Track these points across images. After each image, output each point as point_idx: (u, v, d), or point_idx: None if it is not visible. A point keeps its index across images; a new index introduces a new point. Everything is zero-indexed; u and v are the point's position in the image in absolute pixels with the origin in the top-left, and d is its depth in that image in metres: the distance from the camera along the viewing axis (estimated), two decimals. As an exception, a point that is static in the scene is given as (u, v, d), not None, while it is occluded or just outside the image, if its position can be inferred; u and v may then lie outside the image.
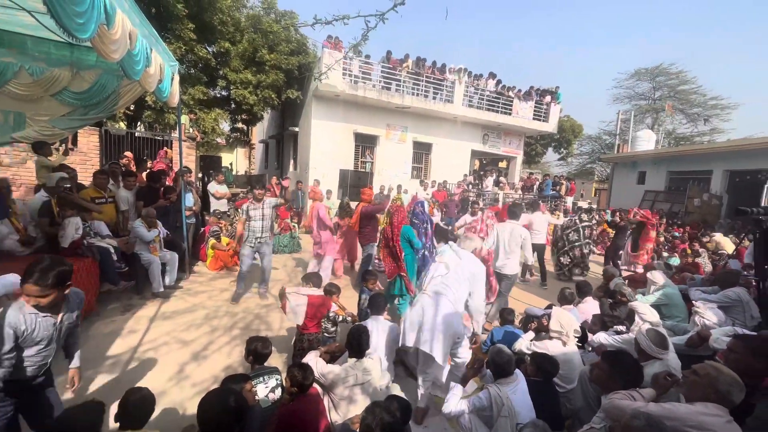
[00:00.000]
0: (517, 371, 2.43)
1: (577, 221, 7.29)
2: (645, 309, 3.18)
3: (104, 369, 3.10)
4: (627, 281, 5.04)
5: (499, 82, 14.75)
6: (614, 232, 7.78)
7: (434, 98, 13.43)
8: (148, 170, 6.02)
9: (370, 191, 5.62)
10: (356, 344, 2.54)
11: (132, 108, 10.71)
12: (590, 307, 3.96)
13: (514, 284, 4.80)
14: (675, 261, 7.64)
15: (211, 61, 11.24)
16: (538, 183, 14.98)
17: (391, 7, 2.26)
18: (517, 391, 2.31)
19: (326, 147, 12.39)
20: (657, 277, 4.34)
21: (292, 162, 15.23)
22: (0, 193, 3.84)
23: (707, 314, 3.34)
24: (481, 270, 3.04)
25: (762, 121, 42.27)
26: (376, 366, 2.58)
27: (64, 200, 3.99)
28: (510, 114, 14.63)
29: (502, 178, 15.37)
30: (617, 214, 8.40)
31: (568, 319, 3.06)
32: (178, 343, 3.65)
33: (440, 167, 14.43)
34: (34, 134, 4.75)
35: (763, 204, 8.92)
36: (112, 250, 4.21)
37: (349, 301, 4.67)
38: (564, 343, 2.95)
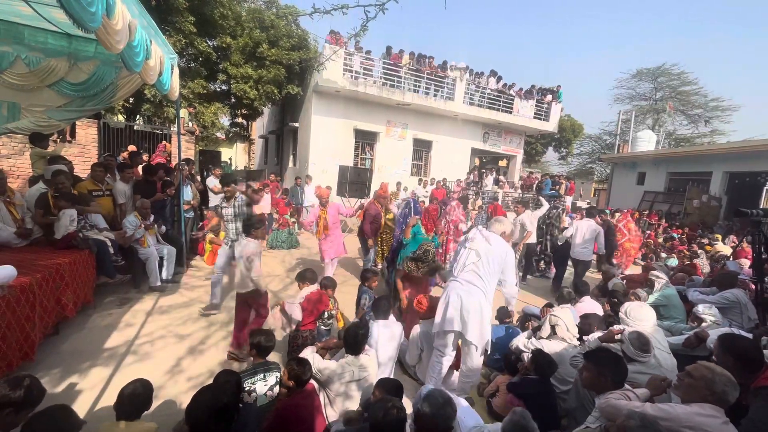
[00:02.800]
0: None
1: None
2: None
3: (100, 362, 3.08)
4: (625, 281, 5.04)
5: (500, 79, 14.69)
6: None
7: (435, 95, 13.38)
8: (144, 163, 5.98)
9: (387, 187, 5.54)
10: (353, 341, 2.53)
11: (131, 101, 10.64)
12: (588, 306, 3.95)
13: (588, 269, 5.93)
14: (673, 262, 7.64)
15: (212, 55, 11.17)
16: (537, 182, 14.96)
17: None
18: None
19: (326, 143, 12.34)
20: (662, 275, 4.34)
21: (291, 158, 15.18)
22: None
23: (710, 318, 3.33)
24: (511, 253, 2.87)
25: (762, 123, 42.26)
26: (372, 362, 2.57)
27: (61, 194, 3.96)
28: (511, 112, 14.59)
29: (501, 177, 15.35)
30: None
31: (564, 319, 3.06)
32: (175, 337, 3.63)
33: (440, 165, 14.41)
34: (29, 125, 4.70)
35: (762, 206, 8.92)
36: (109, 243, 4.18)
37: (347, 297, 4.66)
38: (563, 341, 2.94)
